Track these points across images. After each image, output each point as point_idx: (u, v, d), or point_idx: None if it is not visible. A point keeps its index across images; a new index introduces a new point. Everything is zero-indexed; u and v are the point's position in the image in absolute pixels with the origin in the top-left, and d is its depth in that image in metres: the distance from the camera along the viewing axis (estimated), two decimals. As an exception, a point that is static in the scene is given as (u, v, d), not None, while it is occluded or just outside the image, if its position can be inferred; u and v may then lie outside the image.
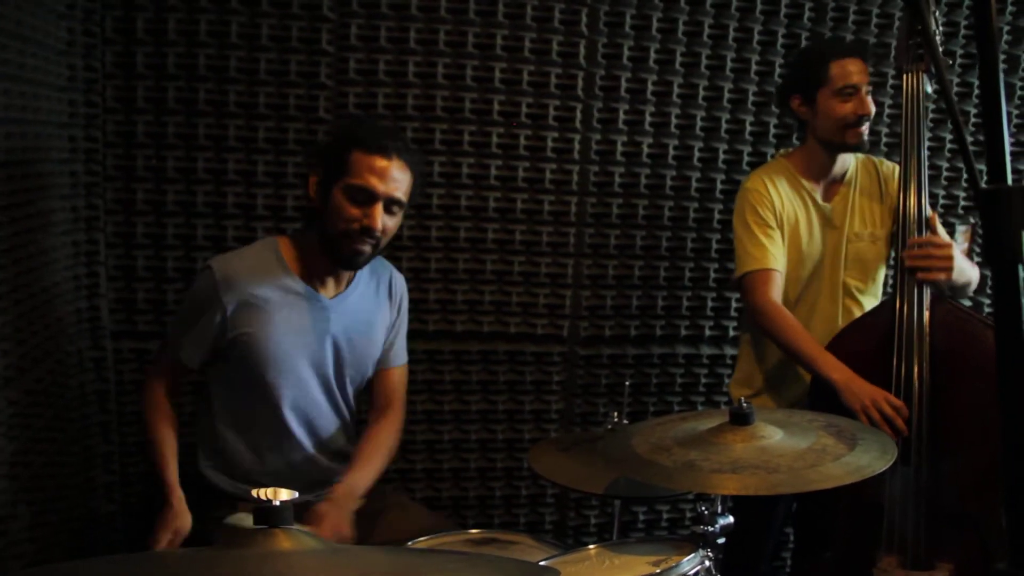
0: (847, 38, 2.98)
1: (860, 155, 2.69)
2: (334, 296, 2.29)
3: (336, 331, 2.28)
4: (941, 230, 2.55)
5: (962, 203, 3.18)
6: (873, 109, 2.55)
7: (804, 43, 2.97)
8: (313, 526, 2.04)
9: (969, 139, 2.46)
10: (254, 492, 1.21)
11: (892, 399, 2.33)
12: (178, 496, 2.12)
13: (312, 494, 2.28)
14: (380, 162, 2.13)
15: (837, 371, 2.39)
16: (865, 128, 2.55)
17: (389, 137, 2.18)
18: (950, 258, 2.38)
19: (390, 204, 2.16)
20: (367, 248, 2.18)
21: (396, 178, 2.15)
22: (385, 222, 2.16)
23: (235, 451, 2.26)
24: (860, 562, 2.40)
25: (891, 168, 2.70)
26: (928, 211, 2.45)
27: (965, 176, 3.16)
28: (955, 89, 3.11)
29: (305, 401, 2.28)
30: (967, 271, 2.48)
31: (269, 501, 1.20)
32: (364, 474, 2.26)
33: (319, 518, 2.08)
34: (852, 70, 2.53)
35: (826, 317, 2.64)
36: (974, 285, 2.56)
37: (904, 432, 2.30)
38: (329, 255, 2.22)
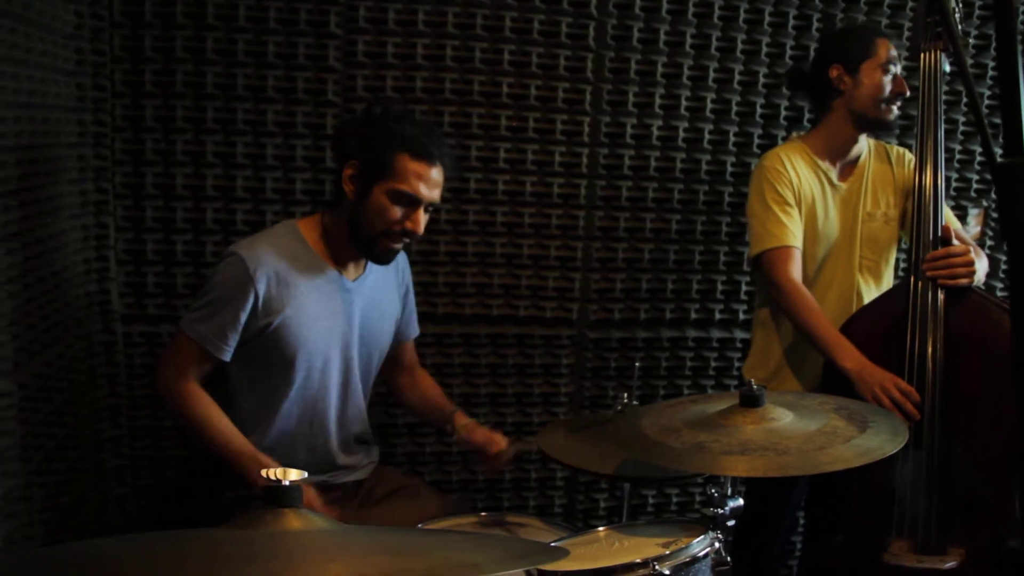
0: (859, 19, 2.98)
1: (871, 140, 2.70)
2: (355, 279, 2.30)
3: (359, 313, 2.30)
4: (956, 227, 2.55)
5: (975, 186, 3.16)
6: (908, 91, 2.60)
7: (816, 25, 2.96)
8: (489, 443, 2.41)
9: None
10: (264, 472, 1.22)
11: (901, 384, 2.32)
12: (267, 460, 2.13)
13: (327, 475, 2.30)
14: (427, 169, 2.18)
15: (851, 360, 2.39)
16: (896, 107, 2.59)
17: (434, 143, 2.22)
18: (971, 263, 2.38)
19: (428, 206, 2.22)
20: (400, 246, 2.25)
21: (439, 183, 2.22)
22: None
23: (253, 434, 2.26)
24: (871, 546, 2.39)
25: (901, 152, 2.72)
26: (943, 194, 2.44)
27: (978, 159, 3.14)
28: (970, 70, 3.08)
29: (329, 384, 2.29)
30: (982, 270, 2.48)
31: (279, 481, 1.20)
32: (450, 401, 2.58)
33: (483, 436, 2.42)
34: (893, 51, 2.60)
35: (842, 296, 2.64)
36: (983, 276, 2.55)
37: (915, 416, 2.29)
38: (360, 248, 2.26)
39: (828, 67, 2.62)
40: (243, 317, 2.15)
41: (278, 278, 2.17)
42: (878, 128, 2.64)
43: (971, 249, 2.42)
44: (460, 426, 2.47)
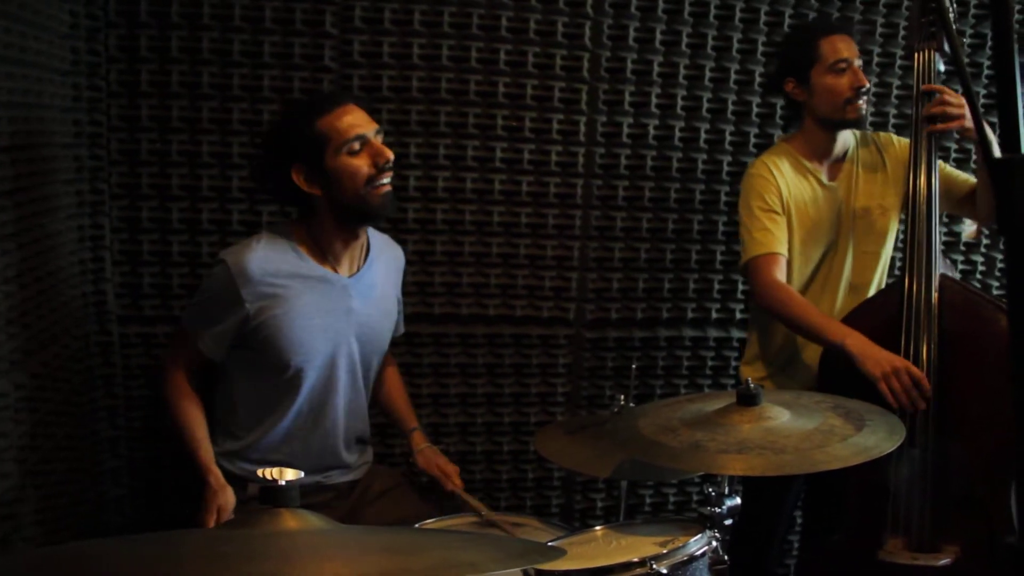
0: (855, 18, 2.97)
1: (857, 131, 2.69)
2: (352, 275, 2.30)
3: (358, 309, 2.30)
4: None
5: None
6: (867, 81, 2.56)
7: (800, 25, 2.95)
8: (444, 479, 2.40)
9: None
10: (260, 472, 1.22)
11: (913, 369, 2.28)
12: (215, 474, 2.17)
13: (322, 475, 2.29)
14: (347, 110, 2.19)
15: (850, 336, 2.34)
16: (863, 102, 2.56)
17: (331, 92, 2.40)
18: (963, 106, 2.39)
19: (377, 134, 2.22)
20: (389, 183, 2.23)
21: (365, 113, 2.22)
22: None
23: (252, 436, 2.26)
24: (867, 545, 2.40)
25: (887, 137, 2.72)
26: (937, 195, 2.44)
27: (974, 157, 3.14)
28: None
29: (329, 385, 2.29)
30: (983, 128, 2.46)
31: (275, 481, 1.20)
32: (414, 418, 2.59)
33: (438, 466, 2.42)
34: (841, 46, 2.55)
35: (838, 295, 2.64)
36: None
37: (921, 406, 2.27)
38: (359, 218, 2.24)
39: (783, 82, 2.63)
40: (231, 323, 2.18)
41: (266, 283, 2.17)
42: (848, 127, 2.62)
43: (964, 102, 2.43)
44: (417, 450, 2.48)
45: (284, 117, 2.26)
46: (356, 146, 2.17)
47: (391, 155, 2.20)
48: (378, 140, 2.21)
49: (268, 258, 2.19)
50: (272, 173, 2.24)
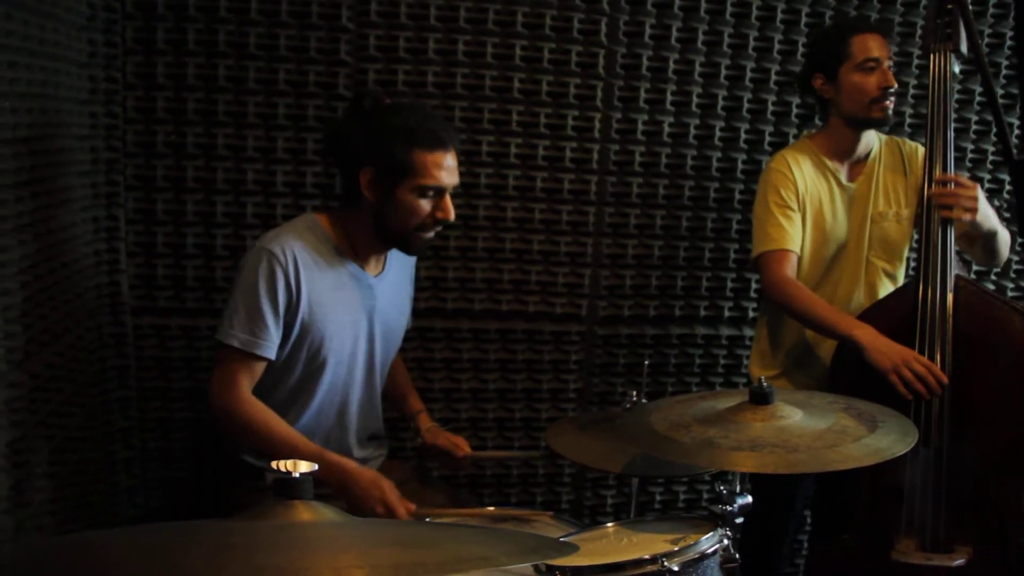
0: (872, 17, 2.95)
1: (883, 135, 2.68)
2: (377, 275, 2.31)
3: (380, 309, 2.31)
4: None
5: (987, 185, 3.13)
6: (895, 82, 2.54)
7: (829, 23, 2.94)
8: (455, 448, 2.42)
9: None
10: (274, 464, 1.22)
11: (922, 358, 2.30)
12: (350, 462, 2.14)
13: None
14: (443, 157, 2.15)
15: (860, 328, 2.36)
16: (890, 102, 2.54)
17: (441, 126, 2.18)
18: (975, 199, 2.37)
19: (453, 190, 2.21)
20: (434, 235, 2.24)
21: (456, 166, 2.19)
22: None
23: None
24: (878, 545, 2.39)
25: (913, 147, 2.70)
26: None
27: (991, 158, 3.12)
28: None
29: (347, 381, 2.29)
30: (992, 217, 2.45)
31: (289, 473, 1.20)
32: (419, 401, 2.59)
33: (446, 438, 2.44)
34: (872, 44, 2.53)
35: (849, 297, 2.63)
36: (1005, 245, 2.53)
37: (937, 391, 2.27)
38: (392, 244, 2.25)
39: (812, 77, 2.61)
40: (280, 310, 2.12)
41: (306, 272, 2.14)
42: (873, 127, 2.61)
43: (979, 190, 2.40)
44: (425, 429, 2.48)
45: (386, 123, 2.13)
46: (430, 193, 2.16)
47: (453, 217, 2.20)
48: (449, 197, 2.19)
49: (306, 248, 2.17)
50: (344, 156, 2.21)
